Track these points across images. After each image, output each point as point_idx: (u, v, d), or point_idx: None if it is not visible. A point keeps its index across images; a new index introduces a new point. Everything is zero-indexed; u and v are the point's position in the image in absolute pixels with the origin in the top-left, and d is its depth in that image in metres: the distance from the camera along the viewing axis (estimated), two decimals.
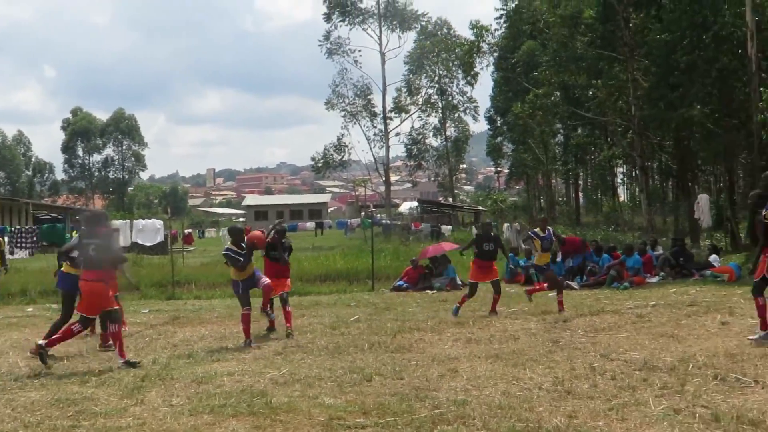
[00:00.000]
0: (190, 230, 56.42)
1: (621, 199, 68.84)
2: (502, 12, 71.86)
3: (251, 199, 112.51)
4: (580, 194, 76.18)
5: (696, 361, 8.89)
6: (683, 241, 24.53)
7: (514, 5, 69.68)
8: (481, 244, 15.13)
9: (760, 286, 10.35)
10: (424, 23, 68.22)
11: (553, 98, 48.94)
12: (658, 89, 29.91)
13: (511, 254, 24.42)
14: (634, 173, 54.93)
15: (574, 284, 20.33)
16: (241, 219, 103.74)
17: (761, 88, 25.40)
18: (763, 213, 10.09)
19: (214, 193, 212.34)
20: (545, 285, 15.44)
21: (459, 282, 22.02)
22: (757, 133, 25.60)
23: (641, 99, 32.14)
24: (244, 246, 12.06)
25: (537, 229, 15.43)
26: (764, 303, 10.26)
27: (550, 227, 15.91)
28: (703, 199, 29.28)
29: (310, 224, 59.58)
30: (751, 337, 10.28)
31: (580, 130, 57.73)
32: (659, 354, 9.56)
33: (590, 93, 43.42)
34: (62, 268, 12.07)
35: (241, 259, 11.86)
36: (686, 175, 38.38)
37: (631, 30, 33.41)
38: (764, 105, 24.72)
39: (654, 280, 20.84)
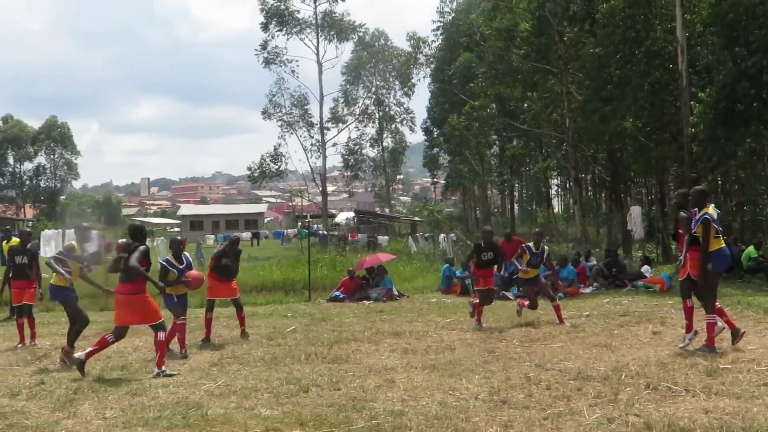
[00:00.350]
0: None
1: (555, 210, 69.68)
2: (439, 24, 72.61)
3: (186, 209, 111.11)
4: (515, 205, 76.94)
5: (629, 371, 9.03)
6: (616, 252, 24.93)
7: (450, 18, 70.38)
8: (480, 253, 14.92)
9: (686, 287, 10.58)
10: (361, 34, 68.37)
11: (489, 110, 49.54)
12: (591, 102, 30.36)
13: (446, 265, 24.60)
14: (568, 185, 55.71)
15: (509, 294, 20.47)
16: (176, 229, 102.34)
17: (691, 103, 26.01)
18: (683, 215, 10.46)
19: (148, 202, 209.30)
20: (525, 302, 15.11)
21: (395, 293, 22.07)
22: (688, 146, 26.17)
23: (575, 112, 32.63)
24: (183, 259, 12.02)
25: (531, 244, 15.05)
26: (692, 306, 10.49)
27: (546, 246, 15.49)
28: (635, 211, 29.79)
29: (246, 234, 59.34)
30: (681, 345, 10.47)
31: (515, 142, 58.35)
32: (593, 363, 9.69)
33: (525, 105, 43.99)
34: (51, 281, 12.14)
35: (175, 271, 11.82)
36: (619, 187, 39.04)
37: (565, 44, 33.93)
38: (694, 119, 25.30)
39: (588, 290, 21.13)
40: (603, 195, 56.09)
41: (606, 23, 30.06)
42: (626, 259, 26.96)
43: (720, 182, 32.52)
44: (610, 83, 29.39)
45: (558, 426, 6.86)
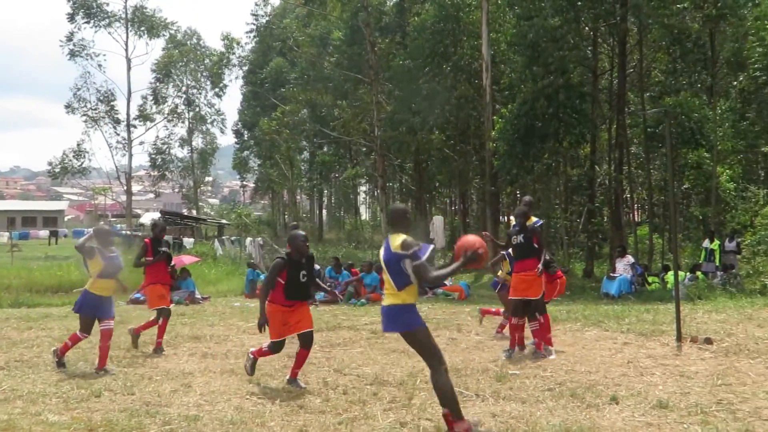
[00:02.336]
0: None
1: (363, 217, 70.71)
2: (252, 26, 72.06)
3: None
4: (324, 211, 77.43)
5: (423, 376, 9.23)
6: None
7: (265, 21, 70.03)
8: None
9: (520, 307, 10.90)
10: (173, 32, 66.85)
11: (300, 115, 49.60)
12: (400, 113, 31.01)
13: (249, 269, 24.44)
14: (375, 193, 56.61)
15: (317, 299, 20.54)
16: None
17: (494, 117, 27.08)
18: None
19: None
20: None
21: (198, 296, 21.69)
22: (489, 160, 27.23)
23: (384, 121, 33.24)
24: None
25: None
26: (523, 323, 10.90)
27: None
28: (437, 221, 30.53)
29: (44, 232, 56.73)
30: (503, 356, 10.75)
31: (325, 148, 58.82)
32: (390, 369, 9.88)
33: (336, 113, 44.37)
34: None
35: None
36: (424, 197, 40.01)
37: (377, 54, 34.50)
38: (496, 134, 26.35)
39: None
40: (409, 204, 57.40)
41: (416, 36, 30.87)
42: None
43: (518, 195, 33.99)
44: (418, 95, 30.12)
45: (352, 430, 6.95)
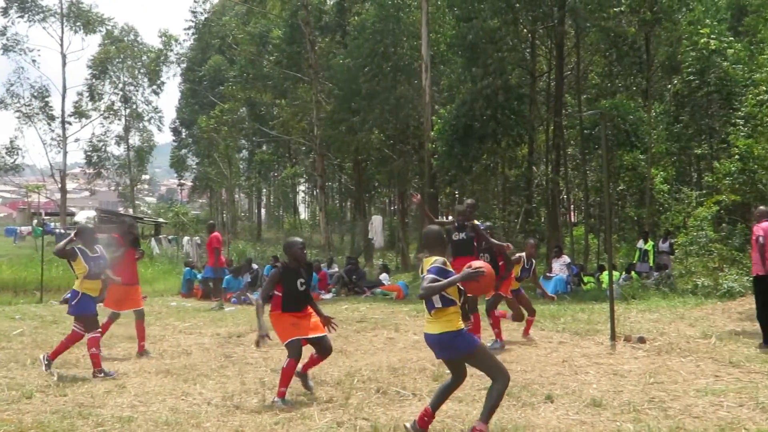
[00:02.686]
0: None
1: (302, 216, 70.46)
2: (191, 23, 71.34)
3: None
4: (263, 210, 76.97)
5: (361, 376, 9.26)
6: (356, 260, 25.52)
7: (204, 18, 69.41)
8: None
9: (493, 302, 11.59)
10: (110, 27, 65.90)
11: (239, 114, 49.29)
12: (339, 112, 30.97)
13: (187, 268, 24.21)
14: (315, 192, 56.50)
15: (253, 298, 20.43)
16: None
17: (433, 118, 27.19)
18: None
19: None
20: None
21: None
22: (428, 160, 27.34)
23: (323, 121, 33.16)
24: None
25: (523, 254, 12.82)
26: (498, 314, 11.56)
27: (534, 259, 13.12)
28: (376, 220, 30.59)
29: None
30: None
31: (265, 147, 58.49)
32: (327, 369, 9.84)
33: (275, 111, 44.17)
34: None
35: None
36: (363, 196, 40.02)
37: (316, 53, 34.40)
38: (435, 134, 26.46)
39: (328, 296, 21.50)
40: (348, 203, 57.37)
41: (356, 36, 30.87)
42: (366, 267, 27.67)
43: (457, 196, 34.20)
44: (358, 95, 30.11)
45: (288, 430, 6.91)
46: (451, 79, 30.22)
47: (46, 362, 9.87)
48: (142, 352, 11.42)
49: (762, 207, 11.51)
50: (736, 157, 23.54)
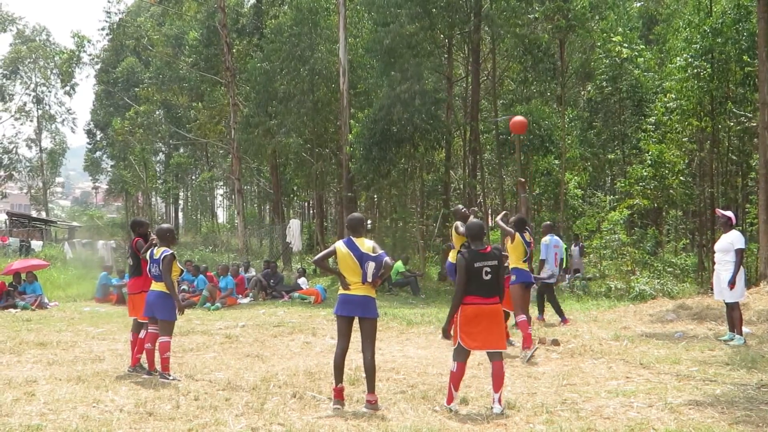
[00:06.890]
0: None
1: (220, 220, 69.82)
2: (105, 24, 70.14)
3: None
4: (180, 213, 76.04)
5: (277, 380, 9.24)
6: (275, 264, 25.38)
7: (118, 19, 68.28)
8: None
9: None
10: (21, 27, 64.49)
11: (155, 116, 48.67)
12: (256, 115, 30.74)
13: (104, 272, 23.75)
14: (233, 195, 56.04)
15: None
16: None
17: (350, 122, 27.25)
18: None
19: None
20: None
21: (46, 301, 20.88)
22: (346, 164, 27.37)
23: (240, 124, 32.91)
24: None
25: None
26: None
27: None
28: (294, 224, 30.44)
29: None
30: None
31: (181, 150, 57.83)
32: (244, 374, 9.80)
33: (192, 114, 43.70)
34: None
35: None
36: (281, 200, 39.83)
37: (233, 55, 34.11)
38: (352, 138, 26.51)
39: (245, 301, 21.34)
40: (267, 207, 57.05)
41: (273, 39, 30.69)
42: (284, 271, 27.54)
43: (375, 200, 34.31)
44: (275, 98, 29.97)
45: None
46: (368, 83, 30.29)
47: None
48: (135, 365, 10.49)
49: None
50: (648, 162, 24.22)
